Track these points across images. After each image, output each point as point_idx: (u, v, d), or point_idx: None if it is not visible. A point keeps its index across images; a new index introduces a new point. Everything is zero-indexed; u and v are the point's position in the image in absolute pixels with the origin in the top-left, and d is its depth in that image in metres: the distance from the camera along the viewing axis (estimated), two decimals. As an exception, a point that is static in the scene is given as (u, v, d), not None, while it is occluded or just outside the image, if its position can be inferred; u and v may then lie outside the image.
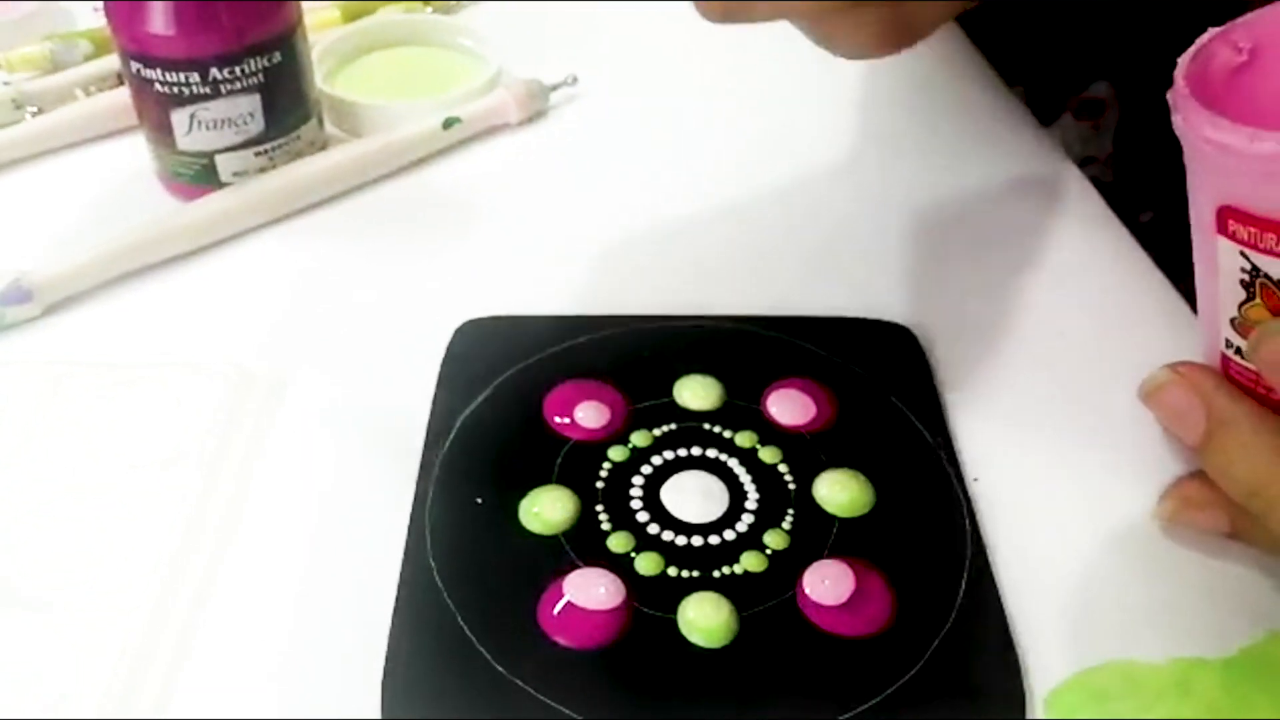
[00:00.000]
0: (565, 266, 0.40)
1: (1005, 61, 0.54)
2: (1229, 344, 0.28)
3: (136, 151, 0.44)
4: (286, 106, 0.43)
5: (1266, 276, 0.26)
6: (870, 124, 0.48)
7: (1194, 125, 0.25)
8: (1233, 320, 0.28)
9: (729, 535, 0.31)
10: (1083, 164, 0.49)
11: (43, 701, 0.27)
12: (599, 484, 0.32)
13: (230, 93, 0.41)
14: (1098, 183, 0.46)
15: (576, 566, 0.30)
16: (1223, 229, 0.26)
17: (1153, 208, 0.57)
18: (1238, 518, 0.30)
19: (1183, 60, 0.27)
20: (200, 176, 0.43)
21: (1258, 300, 0.27)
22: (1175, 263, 0.41)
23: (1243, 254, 0.26)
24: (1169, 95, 0.26)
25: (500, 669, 0.28)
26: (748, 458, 0.33)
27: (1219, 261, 0.27)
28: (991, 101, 0.51)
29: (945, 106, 0.50)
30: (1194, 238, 0.28)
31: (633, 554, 0.31)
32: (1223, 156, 0.25)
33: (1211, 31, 0.27)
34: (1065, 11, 0.59)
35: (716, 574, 0.30)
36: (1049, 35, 0.60)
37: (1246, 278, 0.26)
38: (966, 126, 0.48)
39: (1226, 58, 0.26)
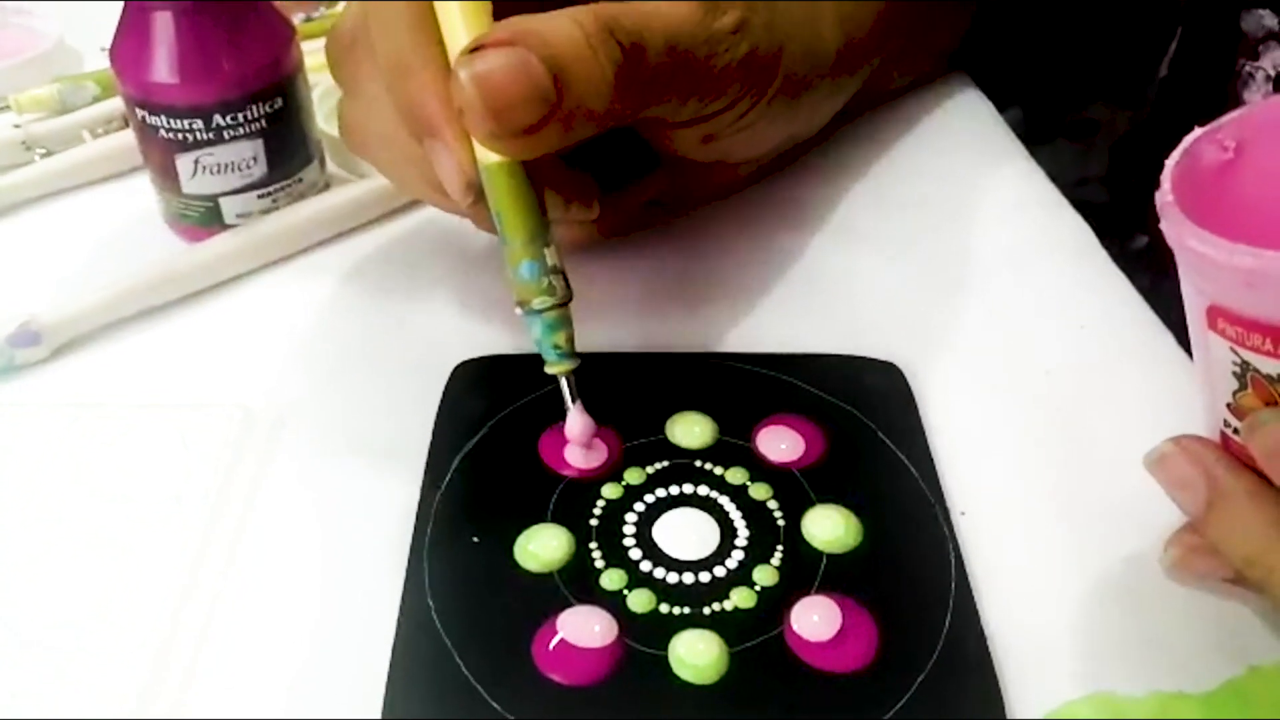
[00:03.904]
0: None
1: (1002, 83, 0.55)
2: (1227, 423, 0.29)
3: (143, 193, 0.45)
4: (289, 150, 0.44)
5: (1256, 370, 0.27)
6: (858, 159, 0.49)
7: (1178, 235, 0.26)
8: (1228, 404, 0.29)
9: (719, 572, 0.32)
10: (1078, 185, 0.50)
11: (51, 741, 0.28)
12: (593, 521, 0.33)
13: (233, 138, 0.42)
14: (1092, 205, 0.47)
15: (570, 604, 0.31)
16: (1213, 325, 0.27)
17: (1148, 231, 0.57)
18: None
19: (1169, 162, 0.28)
20: (205, 219, 0.44)
21: (1249, 390, 0.28)
22: (1167, 291, 0.41)
23: (1232, 349, 0.27)
24: (1156, 198, 0.27)
25: (496, 706, 0.29)
26: (738, 494, 0.34)
27: (1211, 352, 0.28)
28: (981, 131, 0.51)
29: (933, 140, 0.50)
30: (1189, 323, 0.29)
31: (625, 591, 0.31)
32: (1206, 265, 0.26)
33: (1197, 131, 0.28)
34: (1062, 32, 0.60)
35: (707, 610, 0.31)
36: (1047, 56, 0.61)
37: (1238, 369, 0.28)
38: (955, 159, 0.49)
39: (1213, 156, 0.27)
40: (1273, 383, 0.27)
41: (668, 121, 0.37)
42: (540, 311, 0.33)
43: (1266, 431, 0.28)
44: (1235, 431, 0.29)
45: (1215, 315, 0.27)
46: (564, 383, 0.34)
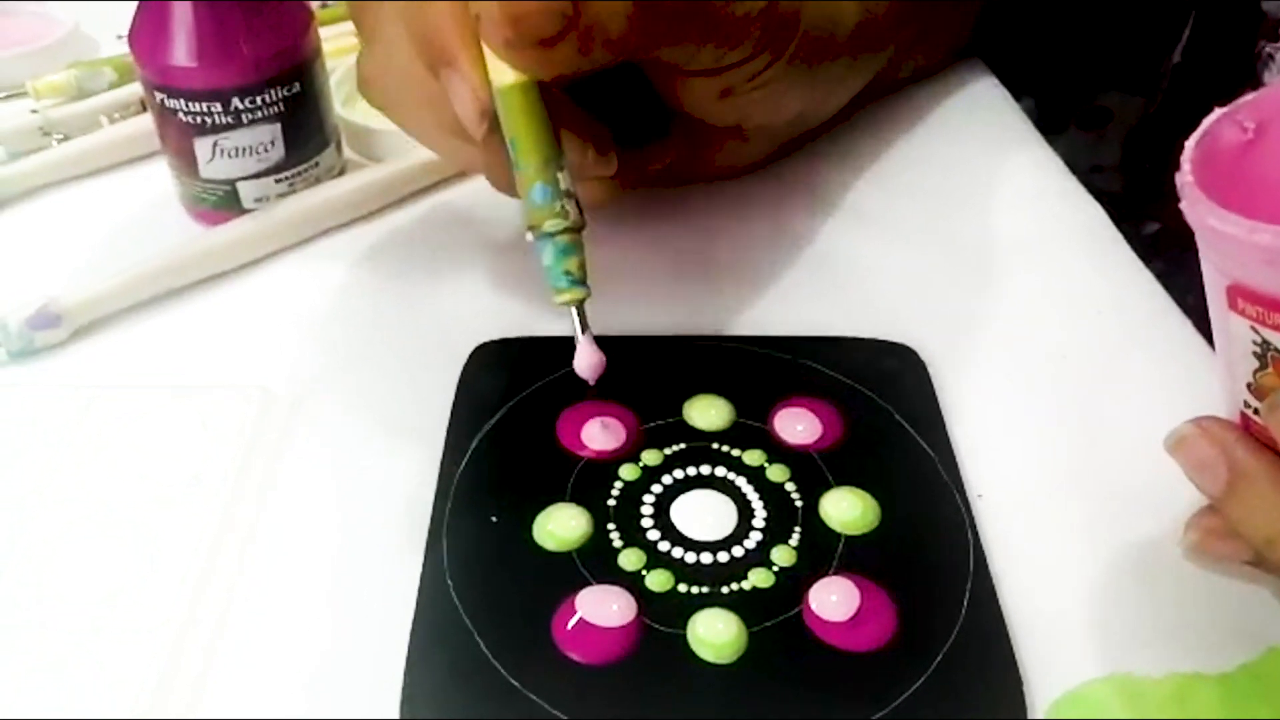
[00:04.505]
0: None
1: (1015, 72, 0.55)
2: (1247, 404, 0.29)
3: (160, 177, 0.46)
4: (306, 134, 0.44)
5: (1277, 350, 0.27)
6: (874, 145, 0.49)
7: (1198, 214, 0.26)
8: (1249, 385, 0.29)
9: (737, 552, 0.32)
10: (1091, 173, 0.50)
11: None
12: (611, 502, 0.33)
13: (251, 122, 0.42)
14: (1105, 193, 0.47)
15: (589, 583, 0.31)
16: (1233, 305, 0.27)
17: (1159, 219, 0.57)
18: None
19: (1189, 143, 0.28)
20: (223, 203, 0.44)
21: (1270, 370, 0.28)
22: (1180, 276, 0.41)
23: (1253, 328, 0.27)
24: (1176, 179, 0.27)
25: (515, 684, 0.29)
26: (756, 476, 0.34)
27: (1231, 332, 0.28)
28: (997, 117, 0.51)
29: (949, 126, 0.50)
30: (1209, 303, 0.29)
31: (644, 571, 0.31)
32: (1226, 243, 0.26)
33: (1218, 112, 0.28)
34: (1074, 21, 0.60)
35: (725, 590, 0.31)
36: (1059, 45, 0.61)
37: (1258, 349, 0.28)
38: (971, 146, 0.49)
39: (1233, 136, 0.27)
40: None
41: (684, 69, 0.37)
42: (552, 235, 0.33)
43: None
44: (1255, 412, 0.29)
45: (1235, 294, 0.27)
46: (574, 313, 0.33)
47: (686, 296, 0.41)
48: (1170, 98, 0.59)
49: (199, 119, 0.42)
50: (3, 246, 0.45)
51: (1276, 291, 0.26)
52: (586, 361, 0.33)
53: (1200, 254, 0.28)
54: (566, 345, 0.34)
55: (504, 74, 0.33)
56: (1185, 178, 0.27)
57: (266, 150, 0.43)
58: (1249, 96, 0.28)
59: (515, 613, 0.30)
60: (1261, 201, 0.26)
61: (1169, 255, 0.44)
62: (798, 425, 0.35)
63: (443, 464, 0.34)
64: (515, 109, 0.33)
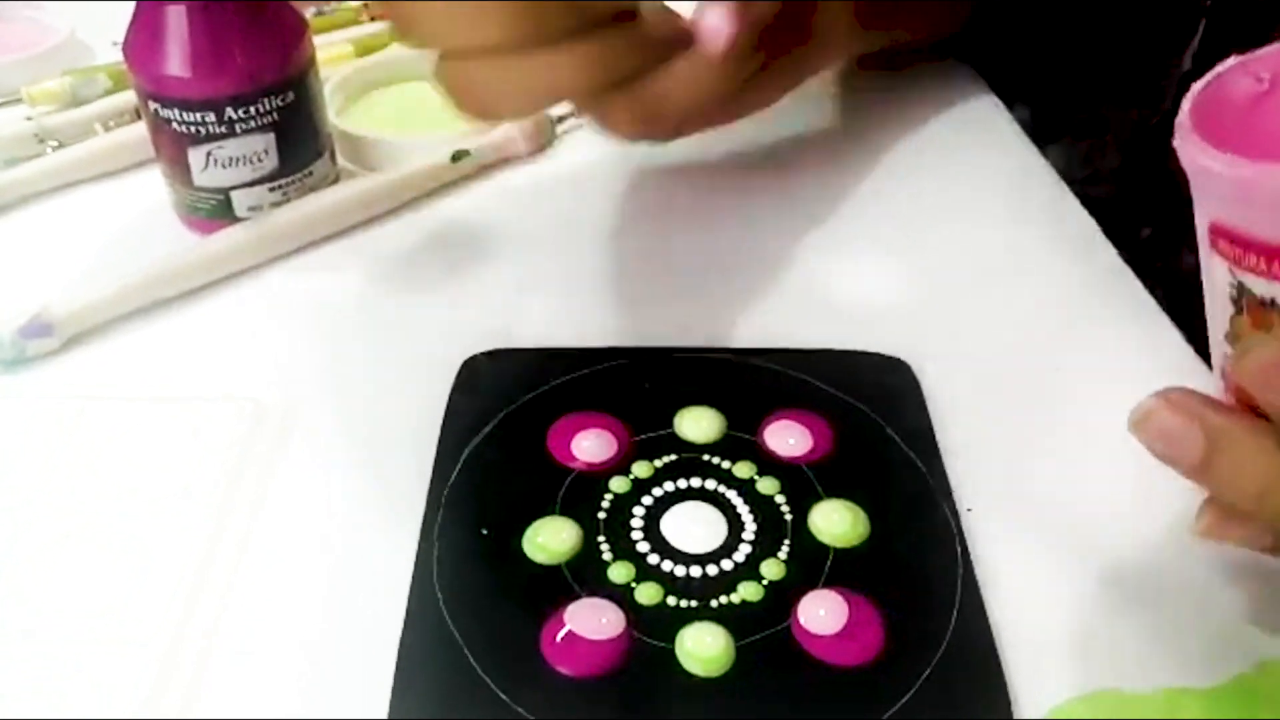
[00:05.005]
0: (571, 299, 0.41)
1: (1011, 80, 0.55)
2: (1227, 355, 0.28)
3: (154, 185, 0.46)
4: (300, 143, 0.44)
5: (1250, 293, 0.27)
6: (866, 157, 0.49)
7: (1186, 150, 0.26)
8: (1226, 334, 0.28)
9: (727, 565, 0.32)
10: (1086, 182, 0.50)
11: (63, 728, 0.28)
12: (601, 514, 0.33)
13: (245, 132, 0.42)
14: (1100, 201, 0.47)
15: (578, 596, 0.31)
16: (1214, 245, 0.27)
17: (1152, 224, 0.57)
18: None
19: (1196, 85, 0.27)
20: (216, 211, 0.44)
21: (1244, 315, 0.27)
22: (1172, 282, 0.41)
23: (1230, 271, 0.27)
24: (1176, 121, 0.27)
25: (504, 697, 0.29)
26: (746, 488, 0.34)
27: (1213, 277, 0.28)
28: (989, 128, 0.51)
29: (941, 136, 0.51)
30: (1200, 253, 0.29)
31: (633, 584, 0.31)
32: (1208, 179, 0.26)
33: (1231, 60, 0.28)
34: (1073, 28, 0.60)
35: (714, 603, 0.31)
36: (1054, 54, 0.61)
37: (1234, 293, 0.27)
38: (963, 156, 0.49)
39: (1247, 87, 0.27)
40: (1264, 308, 0.26)
41: None
42: None
43: (1253, 356, 0.26)
44: None
45: (1216, 235, 0.27)
46: None
47: (678, 308, 0.41)
48: (1177, 106, 0.59)
49: (193, 128, 0.42)
50: (-4, 254, 0.45)
51: (1253, 231, 0.26)
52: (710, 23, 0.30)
53: (1193, 199, 0.28)
54: (557, 357, 0.34)
55: None
56: (1183, 118, 0.27)
57: (260, 160, 0.43)
58: (1268, 49, 0.27)
59: (504, 625, 0.30)
60: (1271, 154, 0.26)
61: (1159, 263, 0.44)
62: (788, 438, 0.35)
63: (434, 475, 0.34)
64: None
